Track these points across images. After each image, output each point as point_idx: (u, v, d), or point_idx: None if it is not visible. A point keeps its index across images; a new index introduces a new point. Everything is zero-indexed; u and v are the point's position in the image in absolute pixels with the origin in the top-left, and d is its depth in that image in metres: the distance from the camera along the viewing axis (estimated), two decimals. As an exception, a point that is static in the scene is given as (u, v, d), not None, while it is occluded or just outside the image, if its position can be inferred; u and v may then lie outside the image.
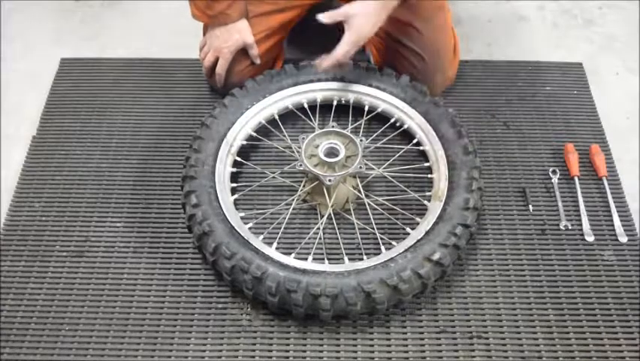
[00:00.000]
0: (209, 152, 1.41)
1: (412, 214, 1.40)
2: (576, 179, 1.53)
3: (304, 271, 1.22)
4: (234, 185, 1.43)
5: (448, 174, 1.38)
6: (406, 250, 1.25)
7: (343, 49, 1.39)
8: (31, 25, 1.94)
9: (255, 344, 1.28)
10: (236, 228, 1.28)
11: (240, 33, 1.52)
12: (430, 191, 1.41)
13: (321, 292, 1.19)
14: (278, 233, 1.37)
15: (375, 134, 1.52)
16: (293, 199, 1.41)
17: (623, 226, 1.45)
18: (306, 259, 1.27)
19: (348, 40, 1.38)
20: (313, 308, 1.21)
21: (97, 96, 1.71)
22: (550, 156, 1.58)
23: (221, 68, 1.57)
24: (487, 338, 1.29)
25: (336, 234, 1.40)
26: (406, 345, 1.28)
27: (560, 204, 1.49)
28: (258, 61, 1.58)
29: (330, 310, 1.21)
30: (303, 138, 1.39)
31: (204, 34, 1.63)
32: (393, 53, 1.59)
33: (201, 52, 1.60)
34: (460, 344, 1.28)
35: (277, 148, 1.55)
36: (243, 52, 1.56)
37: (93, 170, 1.55)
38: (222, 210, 1.31)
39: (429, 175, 1.44)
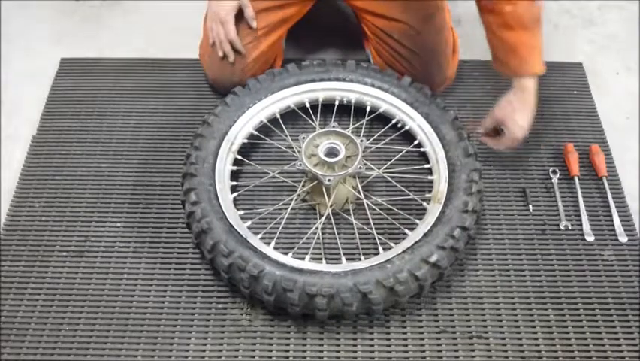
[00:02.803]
0: (210, 150, 1.41)
1: (410, 216, 1.40)
2: (576, 179, 1.53)
3: (301, 271, 1.22)
4: (234, 183, 1.43)
5: (447, 176, 1.38)
6: (403, 252, 1.25)
7: (505, 145, 1.46)
8: (31, 25, 1.95)
9: (255, 344, 1.28)
10: (234, 226, 1.29)
11: None
12: (429, 193, 1.41)
13: (317, 291, 1.19)
14: (276, 232, 1.36)
15: (377, 134, 1.52)
16: (292, 199, 1.41)
17: (623, 225, 1.45)
18: (303, 258, 1.27)
19: (507, 138, 1.44)
20: (309, 308, 1.22)
21: (97, 96, 1.71)
22: (550, 156, 1.58)
23: (226, 34, 1.51)
24: (487, 338, 1.29)
25: (334, 234, 1.40)
26: (406, 345, 1.28)
27: (559, 204, 1.49)
28: (254, 24, 1.53)
29: (326, 310, 1.21)
30: (304, 138, 1.39)
31: (204, 32, 1.63)
32: (393, 53, 1.59)
33: (205, 24, 1.58)
34: (460, 344, 1.28)
35: (278, 147, 1.55)
36: (244, 50, 1.56)
37: (93, 170, 1.55)
38: (221, 208, 1.31)
39: (429, 177, 1.44)
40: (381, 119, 1.56)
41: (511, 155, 1.58)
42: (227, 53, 1.55)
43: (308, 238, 1.39)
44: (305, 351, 1.27)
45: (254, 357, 1.26)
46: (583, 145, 1.60)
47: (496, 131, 1.48)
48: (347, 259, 1.31)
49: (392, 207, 1.43)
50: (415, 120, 1.50)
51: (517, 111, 1.40)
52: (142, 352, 1.27)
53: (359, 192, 1.43)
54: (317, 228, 1.38)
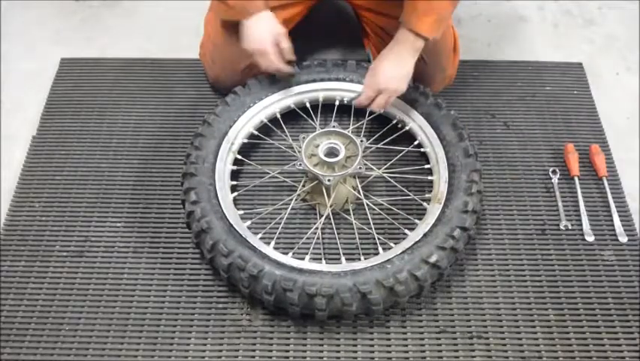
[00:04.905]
0: (210, 149, 1.41)
1: (410, 216, 1.40)
2: (576, 179, 1.53)
3: (301, 271, 1.22)
4: (234, 183, 1.43)
5: (448, 176, 1.38)
6: (403, 252, 1.25)
7: (366, 94, 1.41)
8: (31, 25, 1.95)
9: (255, 344, 1.28)
10: (234, 225, 1.29)
11: (270, 22, 1.42)
12: (429, 193, 1.41)
13: (316, 291, 1.19)
14: (276, 232, 1.37)
15: (377, 134, 1.52)
16: (292, 199, 1.41)
17: (623, 225, 1.45)
18: (303, 258, 1.27)
19: (366, 83, 1.39)
20: (309, 308, 1.22)
21: (97, 96, 1.72)
22: (550, 156, 1.58)
23: (269, 66, 1.45)
24: (487, 338, 1.29)
25: (334, 234, 1.40)
26: (406, 345, 1.28)
27: (560, 204, 1.49)
28: (291, 56, 1.46)
29: (326, 310, 1.21)
30: (304, 138, 1.39)
31: (205, 31, 1.63)
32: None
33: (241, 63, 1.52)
34: (460, 344, 1.28)
35: (278, 147, 1.55)
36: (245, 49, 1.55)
37: (93, 170, 1.55)
38: (221, 207, 1.31)
39: (429, 177, 1.44)
40: (382, 119, 1.56)
41: (511, 155, 1.58)
42: (282, 71, 1.47)
43: (308, 238, 1.39)
44: (305, 351, 1.27)
45: (254, 357, 1.26)
46: (583, 145, 1.60)
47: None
48: (347, 259, 1.31)
49: (392, 208, 1.43)
50: (415, 120, 1.50)
51: (387, 60, 1.37)
52: (142, 352, 1.27)
53: (359, 192, 1.43)
54: (317, 228, 1.38)
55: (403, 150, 1.50)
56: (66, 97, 1.72)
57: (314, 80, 1.56)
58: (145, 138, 1.62)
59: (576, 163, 1.54)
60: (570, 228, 1.45)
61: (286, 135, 1.52)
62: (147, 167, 1.56)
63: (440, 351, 1.27)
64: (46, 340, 1.28)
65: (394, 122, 1.54)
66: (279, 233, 1.37)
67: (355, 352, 1.27)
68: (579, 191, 1.51)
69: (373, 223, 1.38)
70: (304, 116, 1.56)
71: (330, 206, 1.39)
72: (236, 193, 1.41)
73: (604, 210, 1.48)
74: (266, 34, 1.41)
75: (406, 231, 1.33)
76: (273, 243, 1.31)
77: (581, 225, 1.45)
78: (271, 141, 1.54)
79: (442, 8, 1.32)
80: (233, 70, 1.59)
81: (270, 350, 1.27)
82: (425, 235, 1.27)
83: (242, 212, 1.37)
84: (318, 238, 1.38)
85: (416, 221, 1.36)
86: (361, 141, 1.40)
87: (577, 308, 1.33)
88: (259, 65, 1.45)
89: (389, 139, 1.52)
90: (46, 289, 1.35)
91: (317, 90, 1.56)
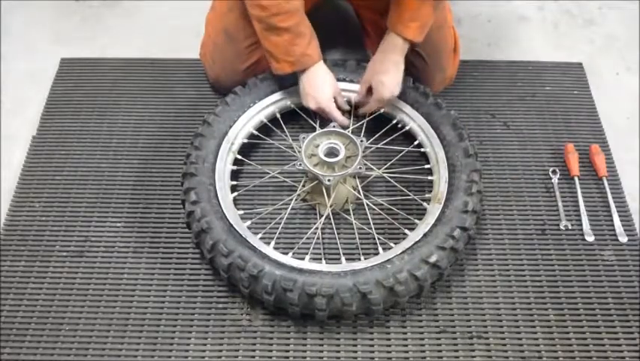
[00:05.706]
0: (210, 149, 1.41)
1: (410, 216, 1.40)
2: (576, 179, 1.53)
3: (301, 271, 1.22)
4: (234, 183, 1.43)
5: (448, 176, 1.38)
6: (403, 252, 1.25)
7: (371, 107, 1.50)
8: (31, 25, 1.95)
9: (255, 344, 1.28)
10: (234, 226, 1.29)
11: (327, 76, 1.47)
12: (429, 193, 1.41)
13: (316, 291, 1.19)
14: (276, 232, 1.37)
15: (377, 134, 1.52)
16: (292, 199, 1.41)
17: (623, 225, 1.45)
18: (303, 258, 1.27)
19: (373, 99, 1.48)
20: (309, 308, 1.22)
21: (97, 96, 1.72)
22: (550, 156, 1.58)
23: (339, 119, 1.47)
24: (487, 338, 1.29)
25: (334, 234, 1.40)
26: (406, 345, 1.28)
27: (560, 204, 1.49)
28: (346, 107, 1.52)
29: (326, 310, 1.21)
30: (304, 138, 1.39)
31: (205, 31, 1.63)
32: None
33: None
34: (460, 344, 1.28)
35: (278, 147, 1.55)
36: (246, 49, 1.55)
37: (93, 170, 1.55)
38: (221, 207, 1.31)
39: (429, 177, 1.44)
40: (382, 119, 1.55)
41: (511, 155, 1.58)
42: (339, 122, 1.48)
43: (308, 238, 1.39)
44: (305, 351, 1.27)
45: (254, 357, 1.26)
46: (583, 145, 1.60)
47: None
48: (347, 259, 1.31)
49: (392, 208, 1.43)
50: (415, 120, 1.50)
51: (381, 72, 1.44)
52: (142, 352, 1.27)
53: (359, 192, 1.42)
54: (317, 228, 1.38)
55: (403, 150, 1.50)
56: (66, 97, 1.72)
57: (314, 80, 1.55)
58: (145, 138, 1.62)
59: (576, 163, 1.54)
60: (570, 228, 1.45)
61: (286, 135, 1.52)
62: (147, 167, 1.56)
63: (440, 351, 1.27)
64: (46, 340, 1.28)
65: (394, 122, 1.54)
66: (279, 233, 1.37)
67: (355, 352, 1.27)
68: (579, 191, 1.51)
69: (373, 223, 1.38)
70: (304, 116, 1.56)
71: (330, 206, 1.39)
72: (236, 193, 1.41)
73: (604, 210, 1.48)
74: (327, 91, 1.47)
75: (406, 231, 1.33)
76: (273, 243, 1.31)
77: (581, 225, 1.45)
78: (271, 141, 1.54)
79: (426, 15, 1.39)
80: (233, 70, 1.59)
81: (270, 350, 1.27)
82: (425, 235, 1.27)
83: (242, 212, 1.37)
84: (318, 238, 1.38)
85: (416, 221, 1.36)
86: (361, 141, 1.40)
87: (577, 308, 1.33)
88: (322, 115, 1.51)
89: (389, 139, 1.52)
90: (46, 289, 1.35)
91: (317, 90, 1.56)
